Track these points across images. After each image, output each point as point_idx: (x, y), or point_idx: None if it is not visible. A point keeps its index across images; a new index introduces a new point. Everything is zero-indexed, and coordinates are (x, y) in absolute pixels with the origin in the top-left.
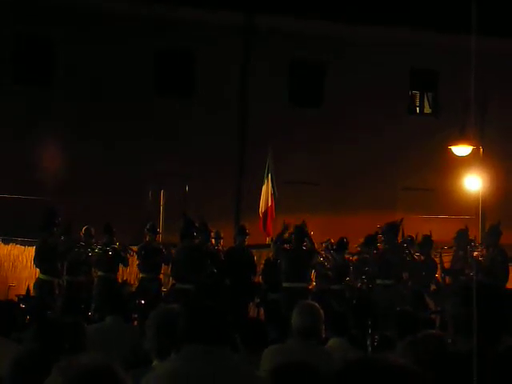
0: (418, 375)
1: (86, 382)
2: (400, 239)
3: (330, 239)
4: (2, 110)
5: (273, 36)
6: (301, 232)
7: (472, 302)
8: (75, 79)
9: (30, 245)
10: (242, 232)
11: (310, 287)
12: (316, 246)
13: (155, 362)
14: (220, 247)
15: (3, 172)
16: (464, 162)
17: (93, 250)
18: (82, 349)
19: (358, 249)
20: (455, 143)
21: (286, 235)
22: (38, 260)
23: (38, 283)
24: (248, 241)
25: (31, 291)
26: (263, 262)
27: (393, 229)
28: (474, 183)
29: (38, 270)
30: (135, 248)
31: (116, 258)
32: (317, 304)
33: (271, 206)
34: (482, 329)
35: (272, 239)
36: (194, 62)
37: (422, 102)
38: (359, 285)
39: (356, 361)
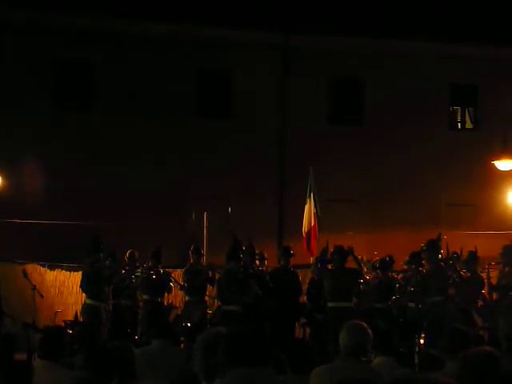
0: None
1: None
2: (445, 255)
3: (377, 259)
4: (44, 135)
5: (311, 54)
6: (341, 252)
7: None
8: (116, 102)
9: (76, 270)
10: (286, 253)
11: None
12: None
13: None
14: (264, 268)
15: (45, 198)
16: (507, 176)
17: (136, 273)
18: (133, 373)
19: (404, 266)
20: (498, 158)
21: (329, 255)
22: (85, 285)
23: (85, 308)
24: (292, 261)
25: (79, 316)
26: (308, 281)
27: (433, 245)
28: None
29: (84, 295)
30: (180, 271)
31: (160, 283)
32: (364, 323)
33: (314, 225)
34: None
35: (316, 258)
36: (233, 82)
37: (463, 117)
38: (406, 303)
39: (401, 380)
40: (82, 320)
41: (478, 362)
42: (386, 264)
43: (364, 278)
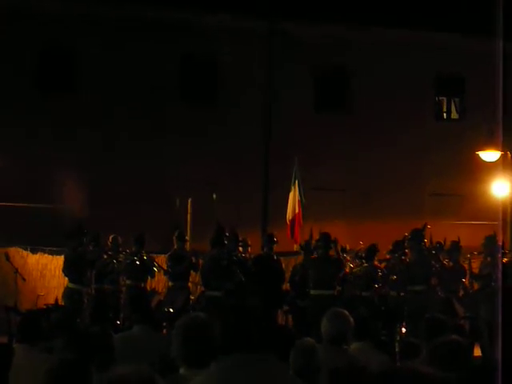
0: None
1: None
2: (428, 245)
3: (361, 248)
4: (27, 119)
5: (297, 41)
6: (327, 240)
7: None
8: (100, 87)
9: (58, 254)
10: (270, 240)
11: (337, 294)
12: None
13: (182, 370)
14: (247, 255)
15: (30, 181)
16: (492, 167)
17: (118, 258)
18: (112, 358)
19: (388, 256)
20: (483, 148)
21: (314, 243)
22: (67, 269)
23: (67, 292)
24: (275, 248)
25: (60, 300)
26: (291, 269)
27: (417, 235)
28: (501, 189)
29: (66, 279)
30: (163, 256)
31: (143, 268)
32: (346, 311)
33: (299, 213)
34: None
35: (301, 246)
36: (219, 68)
37: (448, 107)
38: (388, 292)
39: (386, 371)
40: (63, 304)
41: (445, 352)
42: (371, 253)
43: (347, 267)
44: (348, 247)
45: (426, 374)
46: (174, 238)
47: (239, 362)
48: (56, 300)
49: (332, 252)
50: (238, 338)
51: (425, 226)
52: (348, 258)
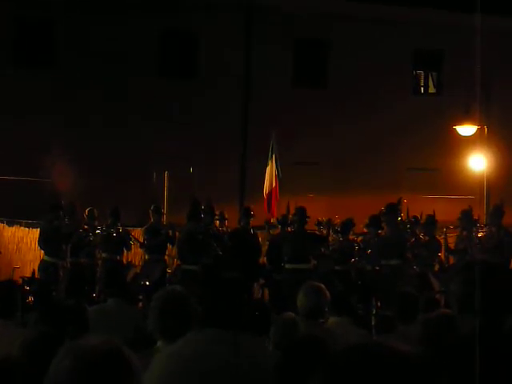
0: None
1: (94, 364)
2: (405, 219)
3: (338, 222)
4: (4, 93)
5: (275, 15)
6: (303, 214)
7: (475, 281)
8: (77, 60)
9: (34, 227)
10: (246, 214)
11: (312, 268)
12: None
13: (159, 343)
14: (224, 229)
15: (5, 154)
16: (468, 141)
17: (95, 232)
18: (85, 331)
19: (365, 230)
20: (460, 123)
21: (290, 217)
22: (43, 242)
23: (43, 265)
24: (252, 222)
25: (36, 273)
26: (268, 243)
27: (392, 209)
28: (478, 163)
29: (42, 252)
30: (140, 230)
31: (119, 241)
32: (322, 285)
33: (275, 187)
34: (487, 308)
35: (277, 219)
36: (197, 43)
37: (426, 81)
38: (364, 266)
39: (356, 345)
40: (39, 277)
41: (437, 325)
42: (346, 227)
43: (326, 242)
44: (325, 220)
45: (396, 350)
46: (150, 211)
47: (212, 336)
48: (32, 273)
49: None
50: (213, 312)
51: (400, 200)
52: (324, 231)
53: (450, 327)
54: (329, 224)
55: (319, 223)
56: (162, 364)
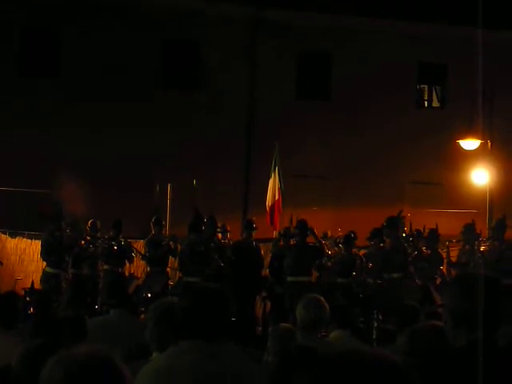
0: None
1: (83, 371)
2: (408, 232)
3: (340, 235)
4: (9, 103)
5: (280, 29)
6: (304, 226)
7: (470, 294)
8: (82, 71)
9: (37, 238)
10: (249, 226)
11: (314, 281)
12: (322, 240)
13: (154, 354)
14: (227, 241)
15: (7, 165)
16: (472, 155)
17: (97, 243)
18: (82, 341)
19: (367, 243)
20: (463, 137)
21: (292, 230)
22: (45, 253)
23: (45, 276)
24: (255, 235)
25: (35, 284)
26: (270, 255)
27: (392, 222)
28: (481, 177)
29: (44, 263)
30: (142, 242)
31: (121, 253)
32: (322, 298)
33: (278, 199)
34: (482, 322)
35: (279, 233)
36: (202, 54)
37: (430, 95)
38: (366, 279)
39: (343, 352)
40: (40, 288)
41: (424, 336)
42: (350, 240)
43: (326, 254)
44: (330, 233)
45: (381, 358)
46: (152, 223)
47: (189, 348)
48: (32, 283)
49: (312, 239)
50: (195, 324)
51: (400, 213)
52: (327, 243)
53: (438, 339)
54: (324, 237)
55: (324, 236)
56: (143, 378)
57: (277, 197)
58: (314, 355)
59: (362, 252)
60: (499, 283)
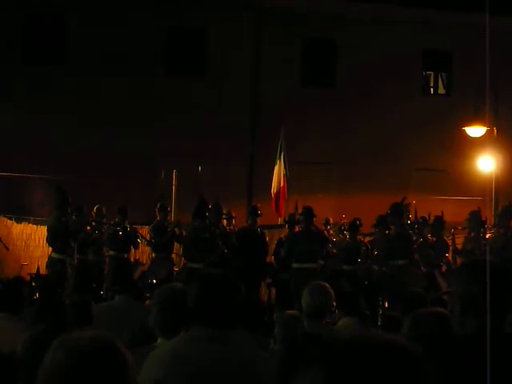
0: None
1: (85, 355)
2: (413, 220)
3: (345, 222)
4: (14, 89)
5: (285, 15)
6: (310, 213)
7: (479, 280)
8: (87, 58)
9: (43, 224)
10: (254, 212)
11: (320, 267)
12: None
13: (159, 340)
14: (232, 227)
15: (16, 150)
16: (478, 143)
17: (102, 229)
18: (87, 326)
19: (373, 230)
20: (469, 124)
21: (297, 216)
22: (51, 239)
23: (51, 262)
24: (260, 221)
25: (41, 270)
26: (275, 242)
27: (396, 209)
28: (487, 164)
29: (50, 248)
30: (147, 228)
31: (126, 239)
32: (327, 284)
33: (283, 186)
34: (490, 308)
35: (284, 219)
36: (207, 41)
37: (435, 82)
38: (371, 266)
39: (356, 337)
40: (46, 273)
41: (427, 322)
42: (355, 227)
43: (330, 241)
44: (331, 220)
45: (392, 341)
46: (157, 209)
47: (198, 335)
48: (37, 269)
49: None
50: (205, 311)
51: (403, 200)
52: (331, 231)
53: (441, 325)
54: (325, 223)
55: (326, 223)
56: (151, 365)
57: (282, 183)
58: (320, 342)
59: (368, 239)
60: (507, 270)
